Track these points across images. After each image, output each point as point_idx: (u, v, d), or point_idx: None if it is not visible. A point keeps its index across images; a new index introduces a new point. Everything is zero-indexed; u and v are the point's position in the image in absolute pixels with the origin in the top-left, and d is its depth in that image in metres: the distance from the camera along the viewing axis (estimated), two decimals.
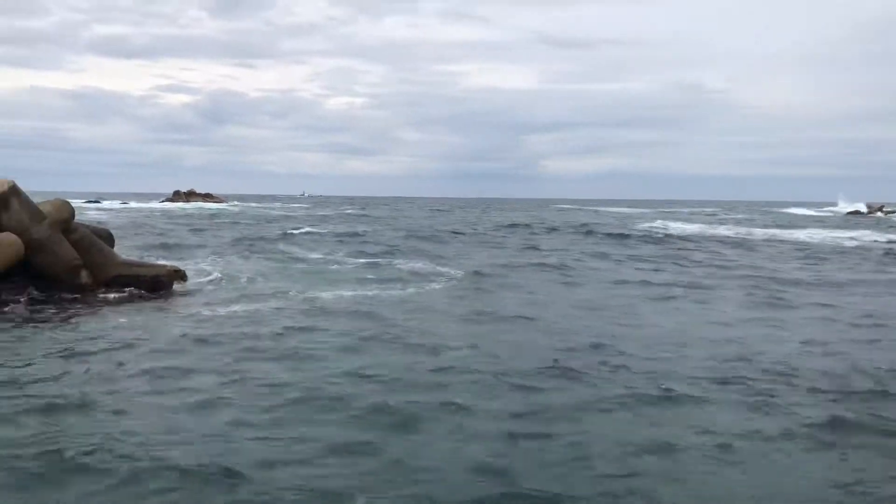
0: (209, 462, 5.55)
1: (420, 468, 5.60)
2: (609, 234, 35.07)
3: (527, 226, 42.77)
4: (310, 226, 39.90)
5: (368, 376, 8.13)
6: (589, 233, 36.49)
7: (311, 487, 5.20)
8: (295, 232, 34.25)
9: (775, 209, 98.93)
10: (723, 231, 40.96)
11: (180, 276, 15.97)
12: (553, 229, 39.73)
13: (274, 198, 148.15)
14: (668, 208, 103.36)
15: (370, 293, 14.64)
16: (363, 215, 60.33)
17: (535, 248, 27.48)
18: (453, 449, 6.02)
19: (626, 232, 36.92)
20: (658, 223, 48.81)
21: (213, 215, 52.66)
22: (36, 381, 7.70)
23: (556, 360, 8.80)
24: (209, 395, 7.30)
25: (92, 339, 10.06)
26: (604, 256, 24.12)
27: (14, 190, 13.82)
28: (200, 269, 18.32)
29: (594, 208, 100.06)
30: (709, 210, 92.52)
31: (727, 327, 11.71)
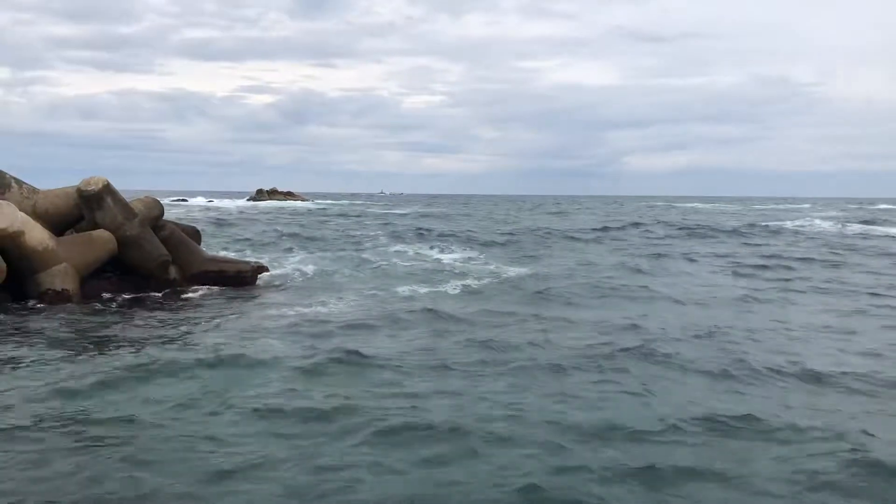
0: None
1: None
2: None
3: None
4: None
5: None
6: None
7: None
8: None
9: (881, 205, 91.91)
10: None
11: (263, 270, 16.45)
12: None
13: (354, 196, 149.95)
14: (759, 205, 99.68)
15: None
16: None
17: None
18: None
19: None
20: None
21: (302, 214, 53.38)
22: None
23: None
24: None
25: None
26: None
27: (108, 188, 14.35)
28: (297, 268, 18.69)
29: (688, 204, 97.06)
30: (823, 207, 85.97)
31: None
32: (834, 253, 24.22)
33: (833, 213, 59.19)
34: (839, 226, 40.04)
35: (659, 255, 22.58)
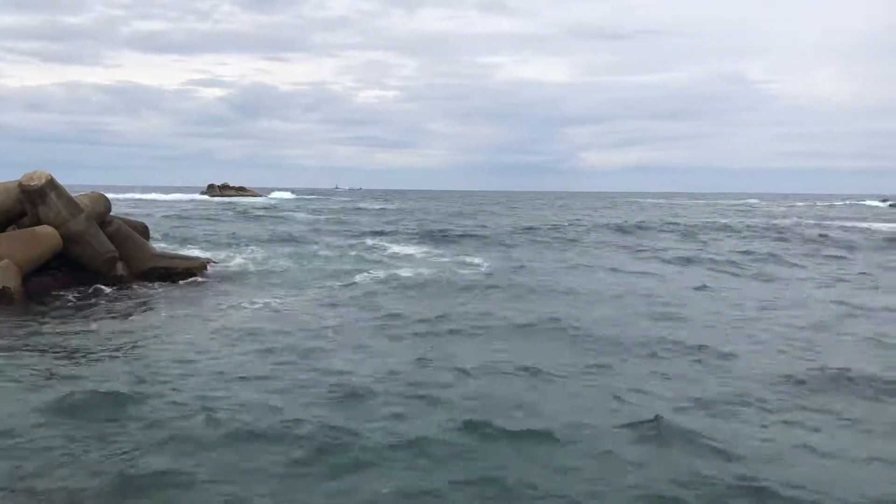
0: None
1: None
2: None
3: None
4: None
5: None
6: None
7: None
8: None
9: (847, 202, 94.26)
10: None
11: (209, 266, 16.34)
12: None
13: (314, 191, 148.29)
14: (714, 200, 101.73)
15: None
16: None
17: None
18: None
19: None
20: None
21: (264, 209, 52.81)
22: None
23: None
24: None
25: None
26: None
27: (51, 183, 14.04)
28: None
29: (654, 201, 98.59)
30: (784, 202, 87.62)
31: None
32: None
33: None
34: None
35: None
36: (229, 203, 64.29)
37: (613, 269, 18.29)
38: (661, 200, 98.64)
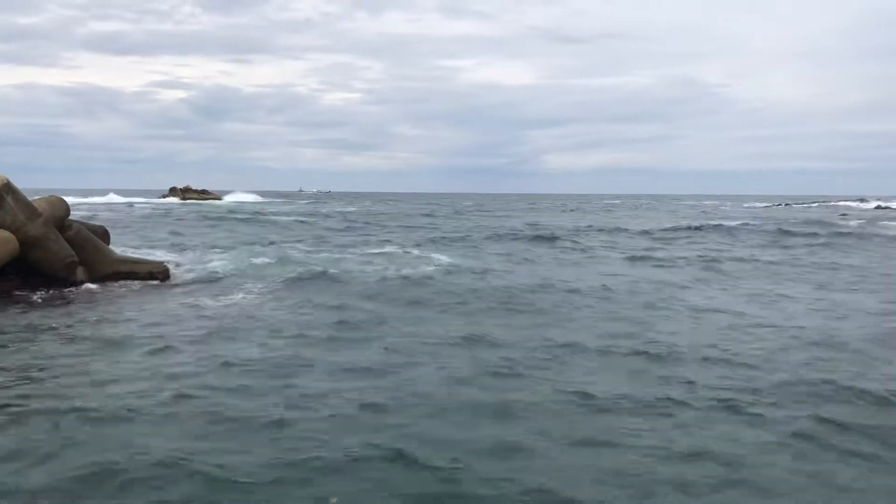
0: None
1: None
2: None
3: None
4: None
5: None
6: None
7: None
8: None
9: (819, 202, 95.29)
10: None
11: (169, 270, 16.17)
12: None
13: (279, 194, 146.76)
14: (674, 202, 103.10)
15: None
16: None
17: None
18: None
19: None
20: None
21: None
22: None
23: None
24: None
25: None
26: None
27: (7, 187, 13.80)
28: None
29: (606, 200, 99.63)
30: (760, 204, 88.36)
31: None
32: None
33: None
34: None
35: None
36: (192, 206, 63.53)
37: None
38: (615, 201, 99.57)
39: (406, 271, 17.05)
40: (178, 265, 17.62)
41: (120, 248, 18.54)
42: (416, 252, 22.51)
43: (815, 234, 30.86)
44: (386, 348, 9.39)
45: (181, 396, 7.12)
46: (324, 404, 6.94)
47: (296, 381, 7.76)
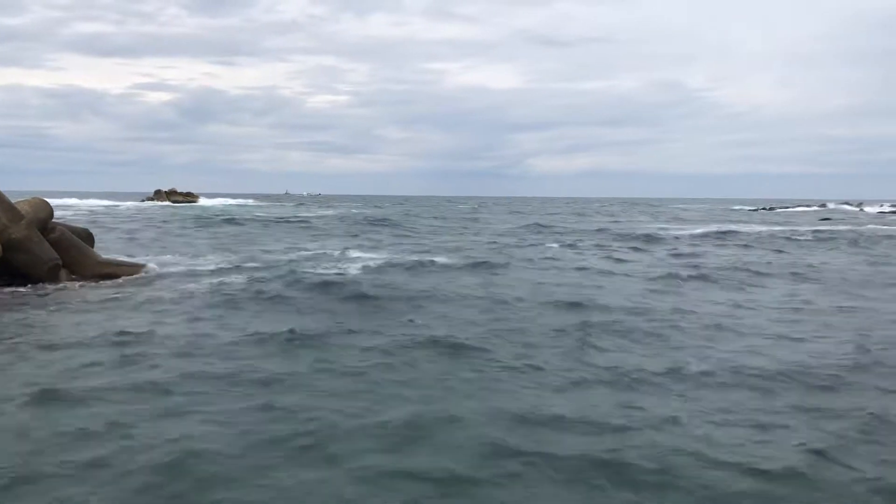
0: None
1: None
2: None
3: None
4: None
5: None
6: None
7: None
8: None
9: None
10: None
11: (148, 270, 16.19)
12: None
13: (267, 196, 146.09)
14: (661, 206, 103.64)
15: None
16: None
17: None
18: None
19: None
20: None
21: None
22: None
23: None
24: None
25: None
26: None
27: None
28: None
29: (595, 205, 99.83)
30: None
31: None
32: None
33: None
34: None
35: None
36: (177, 209, 63.29)
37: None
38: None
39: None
40: (162, 266, 17.55)
41: (104, 252, 18.48)
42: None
43: None
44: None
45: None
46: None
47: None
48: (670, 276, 17.13)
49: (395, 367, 8.37)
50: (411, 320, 11.27)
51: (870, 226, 43.25)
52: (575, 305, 12.65)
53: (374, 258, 20.09)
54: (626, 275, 17.84)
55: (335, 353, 8.95)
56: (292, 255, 21.52)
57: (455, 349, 9.23)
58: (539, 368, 8.40)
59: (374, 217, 50.06)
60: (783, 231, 37.35)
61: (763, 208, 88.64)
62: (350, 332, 10.29)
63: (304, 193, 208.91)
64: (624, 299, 13.53)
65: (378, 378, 7.86)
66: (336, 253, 22.06)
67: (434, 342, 9.52)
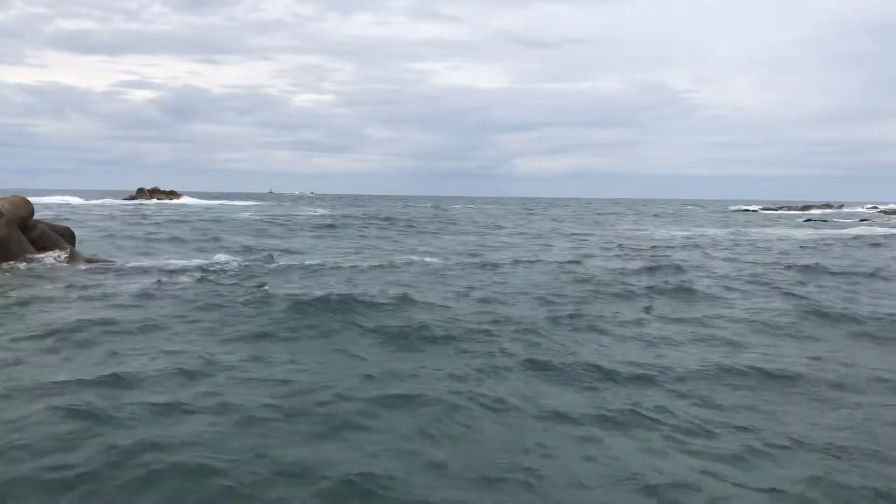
0: None
1: None
2: None
3: None
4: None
5: None
6: None
7: None
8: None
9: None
10: None
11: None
12: None
13: (247, 196, 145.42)
14: (643, 207, 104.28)
15: None
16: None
17: None
18: None
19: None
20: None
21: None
22: None
23: None
24: None
25: None
26: None
27: None
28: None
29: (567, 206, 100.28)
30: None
31: None
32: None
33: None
34: None
35: None
36: (160, 207, 62.86)
37: None
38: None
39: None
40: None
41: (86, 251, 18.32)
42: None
43: None
44: None
45: None
46: None
47: None
48: None
49: None
50: None
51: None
52: None
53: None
54: None
55: None
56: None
57: None
58: None
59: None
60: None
61: (766, 208, 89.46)
62: None
63: (297, 193, 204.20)
64: None
65: None
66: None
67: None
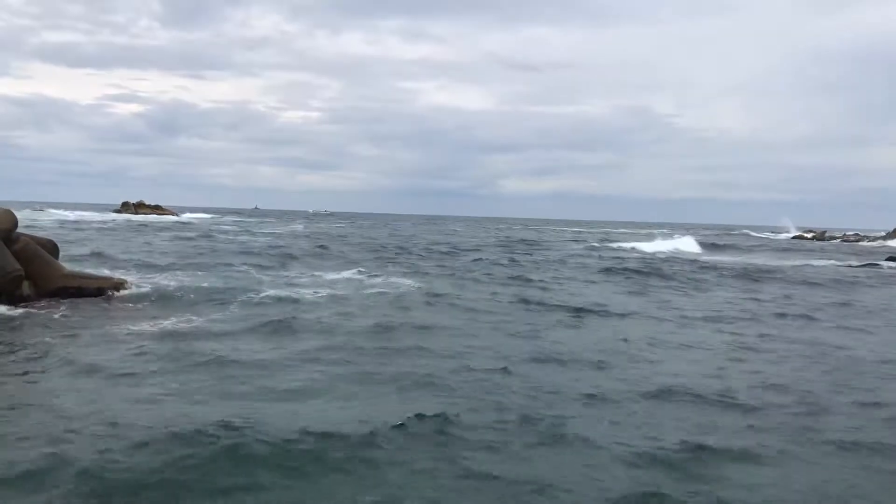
0: None
1: None
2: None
3: None
4: None
5: None
6: None
7: None
8: None
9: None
10: None
11: (124, 285, 15.80)
12: None
13: (231, 211, 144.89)
14: (630, 229, 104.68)
15: None
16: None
17: None
18: None
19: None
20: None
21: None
22: None
23: None
24: None
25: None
26: None
27: None
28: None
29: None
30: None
31: None
32: None
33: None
34: None
35: None
36: (143, 222, 62.29)
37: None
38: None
39: None
40: (132, 282, 17.16)
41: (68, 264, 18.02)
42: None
43: None
44: None
45: None
46: None
47: None
48: None
49: None
50: None
51: None
52: None
53: None
54: None
55: None
56: None
57: None
58: None
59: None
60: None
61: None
62: None
63: (311, 211, 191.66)
64: None
65: None
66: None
67: None
